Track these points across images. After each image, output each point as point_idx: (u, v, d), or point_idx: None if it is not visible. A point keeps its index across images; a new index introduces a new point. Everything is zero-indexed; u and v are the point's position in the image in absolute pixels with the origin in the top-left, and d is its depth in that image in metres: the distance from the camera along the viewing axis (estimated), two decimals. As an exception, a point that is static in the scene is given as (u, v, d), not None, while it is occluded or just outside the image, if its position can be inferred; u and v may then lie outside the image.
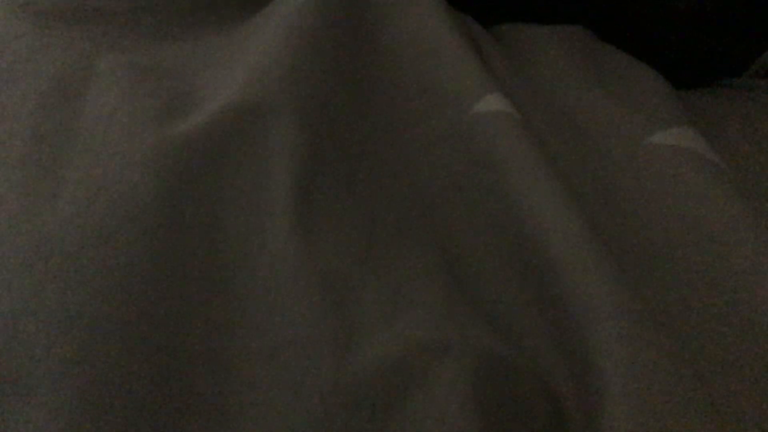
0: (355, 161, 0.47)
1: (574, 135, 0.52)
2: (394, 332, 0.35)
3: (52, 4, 0.55)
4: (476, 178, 0.46)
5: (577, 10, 0.64)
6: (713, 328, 0.41)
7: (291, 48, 0.50)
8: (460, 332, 0.36)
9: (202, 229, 0.39)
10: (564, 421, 0.36)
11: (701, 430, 0.33)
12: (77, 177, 0.41)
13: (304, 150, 0.43)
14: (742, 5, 0.61)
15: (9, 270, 0.37)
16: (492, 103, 0.48)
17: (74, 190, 0.40)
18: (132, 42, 0.53)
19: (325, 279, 0.37)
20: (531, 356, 0.38)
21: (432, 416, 0.33)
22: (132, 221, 0.38)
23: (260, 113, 0.44)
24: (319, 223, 0.40)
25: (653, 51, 0.63)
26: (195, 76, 0.50)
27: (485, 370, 0.35)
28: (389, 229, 0.44)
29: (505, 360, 0.36)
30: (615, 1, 0.62)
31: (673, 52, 0.63)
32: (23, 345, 0.34)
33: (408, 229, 0.44)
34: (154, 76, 0.47)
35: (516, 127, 0.47)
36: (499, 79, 0.55)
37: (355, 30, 0.55)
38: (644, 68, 0.58)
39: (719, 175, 0.47)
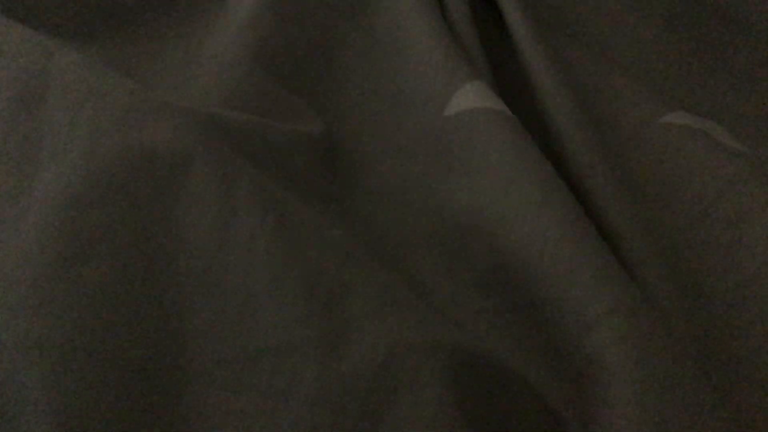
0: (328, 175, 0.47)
1: (582, 112, 0.51)
2: (382, 333, 0.35)
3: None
4: (449, 188, 0.46)
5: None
6: (728, 314, 0.41)
7: (249, 49, 0.50)
8: (449, 333, 0.36)
9: (170, 238, 0.38)
10: (560, 429, 0.36)
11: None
12: (42, 195, 0.39)
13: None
14: None
15: None
16: (465, 99, 0.47)
17: (39, 211, 0.39)
18: (87, 39, 0.52)
19: (309, 280, 0.36)
20: (522, 362, 0.38)
21: (422, 419, 0.33)
22: (98, 241, 0.37)
23: (224, 123, 0.43)
24: (298, 224, 0.39)
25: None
26: (153, 75, 0.49)
27: (476, 372, 0.35)
28: (368, 236, 0.43)
29: (496, 363, 0.36)
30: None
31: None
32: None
33: (387, 236, 0.44)
34: (112, 74, 0.45)
35: (491, 124, 0.46)
36: (480, 65, 0.54)
37: (324, 30, 0.55)
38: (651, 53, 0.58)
39: (733, 157, 0.46)
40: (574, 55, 0.56)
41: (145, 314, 0.36)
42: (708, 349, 0.40)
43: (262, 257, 0.37)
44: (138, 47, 0.54)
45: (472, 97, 0.48)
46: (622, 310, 0.36)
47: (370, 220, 0.46)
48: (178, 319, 0.36)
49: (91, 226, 0.37)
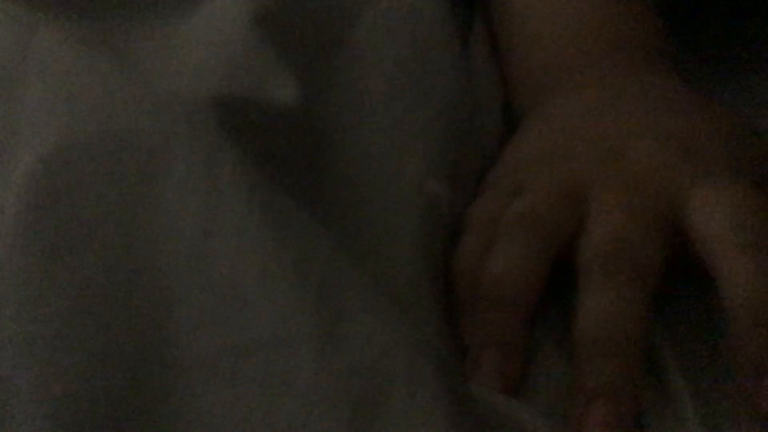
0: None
1: None
2: (377, 326, 0.34)
3: None
4: None
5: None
6: None
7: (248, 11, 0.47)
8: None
9: (155, 226, 0.36)
10: None
11: None
12: (21, 185, 0.38)
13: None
14: None
15: None
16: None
17: (17, 202, 0.37)
18: (70, 15, 0.50)
19: (300, 267, 0.35)
20: None
21: (417, 413, 0.32)
22: (82, 233, 0.36)
23: (207, 102, 0.40)
24: (285, 208, 0.37)
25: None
26: (137, 53, 0.47)
27: None
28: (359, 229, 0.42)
29: None
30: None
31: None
32: None
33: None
34: (94, 53, 0.43)
35: None
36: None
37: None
38: None
39: None
40: None
41: (133, 307, 0.35)
42: None
43: (251, 244, 0.35)
44: (128, 21, 0.51)
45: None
46: None
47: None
48: (167, 311, 0.35)
49: (74, 217, 0.36)
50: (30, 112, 0.41)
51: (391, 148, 0.47)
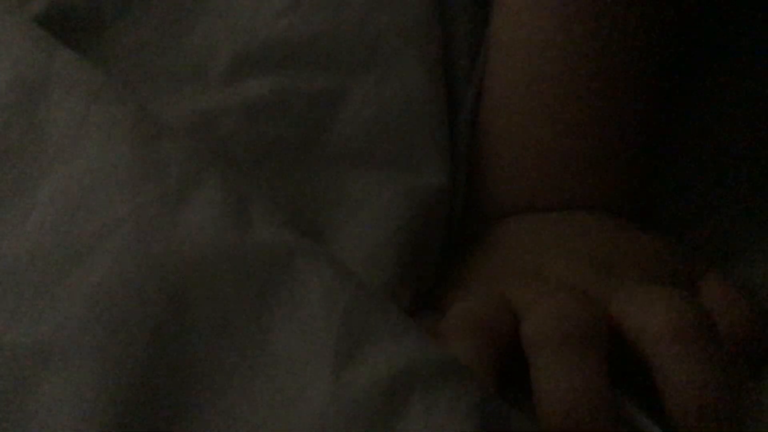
0: None
1: None
2: (402, 348, 0.35)
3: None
4: None
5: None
6: None
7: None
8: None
9: (174, 233, 0.37)
10: None
11: None
12: (48, 196, 0.39)
13: None
14: None
15: None
16: None
17: (45, 210, 0.38)
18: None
19: (331, 290, 0.36)
20: None
21: (431, 429, 0.33)
22: (105, 239, 0.37)
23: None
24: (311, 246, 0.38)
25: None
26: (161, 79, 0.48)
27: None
28: None
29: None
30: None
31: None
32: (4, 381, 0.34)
33: None
34: (115, 82, 0.44)
35: None
36: None
37: None
38: None
39: None
40: None
41: (150, 313, 0.35)
42: None
43: (282, 265, 0.37)
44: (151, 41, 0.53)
45: None
46: None
47: None
48: (182, 316, 0.35)
49: (94, 227, 0.37)
50: (57, 127, 0.41)
51: (361, 246, 0.47)
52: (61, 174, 0.39)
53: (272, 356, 0.35)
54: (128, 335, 0.34)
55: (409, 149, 0.51)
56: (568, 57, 0.52)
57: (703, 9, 0.58)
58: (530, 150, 0.53)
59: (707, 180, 0.55)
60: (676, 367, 0.37)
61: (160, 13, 0.54)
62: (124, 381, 0.34)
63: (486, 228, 0.53)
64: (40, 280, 0.36)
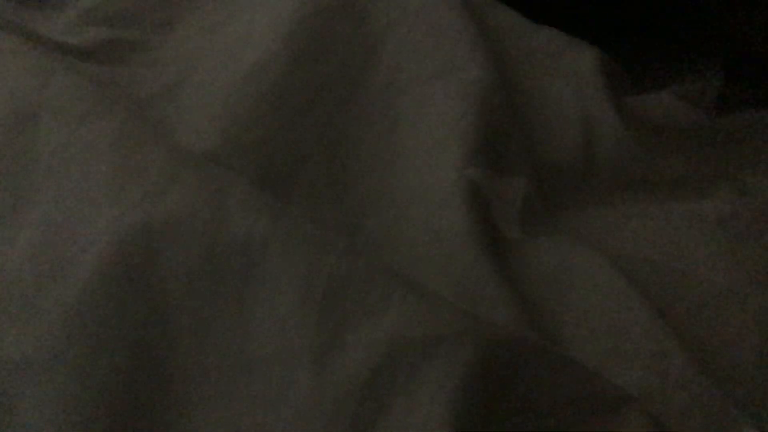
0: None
1: None
2: (381, 330, 0.34)
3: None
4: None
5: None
6: None
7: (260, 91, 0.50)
8: (464, 317, 0.35)
9: (156, 239, 0.37)
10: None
11: None
12: (37, 216, 0.39)
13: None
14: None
15: None
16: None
17: (33, 230, 0.39)
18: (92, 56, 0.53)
19: (306, 277, 0.35)
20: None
21: (414, 425, 0.32)
22: (85, 252, 0.37)
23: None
24: (293, 223, 0.38)
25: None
26: (154, 96, 0.49)
27: (489, 356, 0.33)
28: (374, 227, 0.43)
29: (522, 341, 0.35)
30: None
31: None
32: None
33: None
34: (108, 97, 0.45)
35: None
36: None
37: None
38: None
39: None
40: None
41: (129, 321, 0.35)
42: None
43: (256, 258, 0.36)
44: (148, 59, 0.55)
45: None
46: None
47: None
48: (163, 324, 0.35)
49: (77, 243, 0.37)
50: (48, 148, 0.42)
51: (427, 142, 0.50)
52: (49, 194, 0.40)
53: (253, 356, 0.35)
54: (110, 349, 0.35)
55: (450, 58, 0.54)
56: None
57: None
58: None
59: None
60: None
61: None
62: (106, 392, 0.34)
63: None
64: (25, 296, 0.36)
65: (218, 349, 0.35)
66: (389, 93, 0.53)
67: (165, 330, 0.35)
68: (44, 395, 0.34)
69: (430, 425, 0.32)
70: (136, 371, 0.34)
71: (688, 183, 0.54)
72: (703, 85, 0.61)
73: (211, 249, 0.36)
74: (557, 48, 0.60)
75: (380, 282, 0.35)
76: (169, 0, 0.59)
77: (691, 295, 0.44)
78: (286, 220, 0.37)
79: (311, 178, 0.48)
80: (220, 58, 0.55)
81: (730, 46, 0.65)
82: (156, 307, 0.36)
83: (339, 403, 0.33)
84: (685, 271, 0.45)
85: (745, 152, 0.57)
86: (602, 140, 0.54)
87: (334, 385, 0.33)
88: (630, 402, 0.35)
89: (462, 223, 0.45)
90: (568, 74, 0.58)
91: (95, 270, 0.36)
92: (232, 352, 0.35)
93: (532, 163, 0.52)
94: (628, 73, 0.62)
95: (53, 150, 0.42)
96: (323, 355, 0.34)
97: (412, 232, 0.46)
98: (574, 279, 0.45)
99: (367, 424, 0.32)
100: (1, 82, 0.47)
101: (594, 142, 0.54)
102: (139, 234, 0.37)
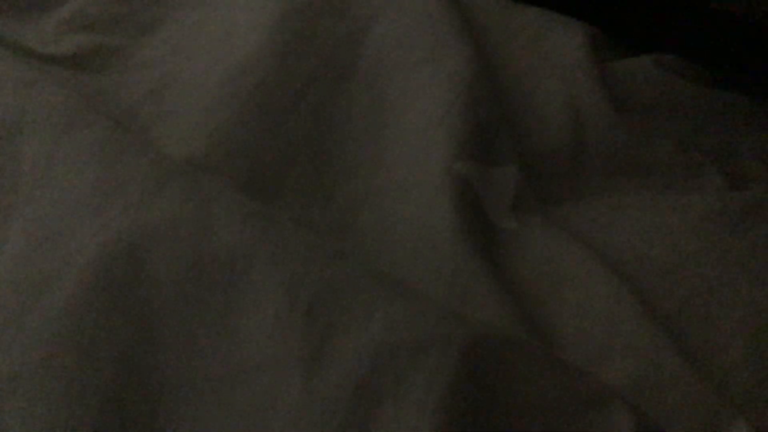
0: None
1: None
2: (369, 334, 0.34)
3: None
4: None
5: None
6: None
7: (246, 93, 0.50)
8: (451, 318, 0.35)
9: (140, 249, 0.37)
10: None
11: None
12: (20, 230, 0.39)
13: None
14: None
15: None
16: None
17: (16, 244, 0.39)
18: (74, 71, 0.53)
19: (292, 284, 0.35)
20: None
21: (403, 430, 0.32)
22: (69, 265, 0.37)
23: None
24: (281, 229, 0.38)
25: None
26: (138, 102, 0.49)
27: (476, 359, 0.33)
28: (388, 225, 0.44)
29: (509, 341, 0.35)
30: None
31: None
32: None
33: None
34: (89, 110, 0.45)
35: None
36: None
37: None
38: None
39: None
40: None
41: (115, 333, 0.35)
42: None
43: (242, 267, 0.36)
44: (128, 70, 0.54)
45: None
46: None
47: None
48: (149, 335, 0.35)
49: (61, 255, 0.37)
50: (30, 162, 0.42)
51: (414, 135, 0.50)
52: (33, 206, 0.40)
53: (241, 366, 0.34)
54: (96, 361, 0.34)
55: (435, 47, 0.54)
56: None
57: None
58: None
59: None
60: None
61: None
62: (93, 405, 0.34)
63: None
64: (10, 310, 0.36)
65: (205, 359, 0.35)
66: (374, 85, 0.53)
67: (151, 341, 0.35)
68: (31, 409, 0.34)
69: (419, 431, 0.32)
70: (123, 383, 0.34)
71: (677, 171, 0.53)
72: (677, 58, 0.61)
73: (196, 259, 0.36)
74: (542, 29, 0.59)
75: (366, 287, 0.35)
76: (150, 2, 0.59)
77: (680, 288, 0.44)
78: (273, 228, 0.37)
79: (299, 179, 0.48)
80: (203, 58, 0.55)
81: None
82: (142, 318, 0.35)
83: (328, 411, 0.33)
84: (675, 263, 0.45)
85: (733, 135, 0.57)
86: (591, 127, 0.54)
87: (323, 393, 0.33)
88: (615, 398, 0.35)
89: (451, 219, 0.45)
90: (554, 58, 0.57)
91: (79, 283, 0.36)
92: (219, 361, 0.35)
93: (521, 151, 0.52)
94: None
95: (35, 162, 0.42)
96: (311, 362, 0.33)
97: (402, 229, 0.46)
98: (566, 273, 0.45)
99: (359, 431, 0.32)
100: None
101: (583, 129, 0.54)
102: (123, 245, 0.37)
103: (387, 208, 0.47)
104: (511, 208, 0.48)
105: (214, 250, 0.36)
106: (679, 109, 0.57)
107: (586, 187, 0.52)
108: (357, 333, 0.34)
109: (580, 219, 0.50)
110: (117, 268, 0.36)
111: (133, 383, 0.34)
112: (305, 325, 0.34)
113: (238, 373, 0.34)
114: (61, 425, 0.33)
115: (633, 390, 0.39)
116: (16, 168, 0.42)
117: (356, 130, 0.51)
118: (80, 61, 0.55)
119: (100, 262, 0.36)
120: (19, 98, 0.46)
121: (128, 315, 0.35)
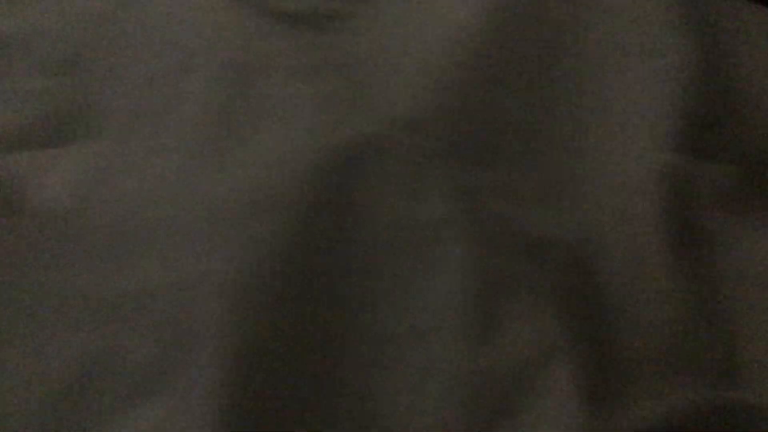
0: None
1: None
2: (530, 333, 0.37)
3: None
4: None
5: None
6: None
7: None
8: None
9: (356, 210, 0.41)
10: None
11: None
12: (252, 150, 0.44)
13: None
14: None
15: (180, 233, 0.40)
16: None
17: (247, 161, 0.43)
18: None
19: (471, 270, 0.39)
20: None
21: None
22: (295, 190, 0.41)
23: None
24: (486, 216, 0.41)
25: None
26: (354, 62, 0.52)
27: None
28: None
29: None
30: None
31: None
32: (195, 305, 0.37)
33: None
34: (315, 56, 0.50)
35: None
36: None
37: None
38: None
39: None
40: None
41: (325, 270, 0.39)
42: None
43: (431, 237, 0.40)
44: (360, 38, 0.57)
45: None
46: None
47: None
48: (353, 282, 0.39)
49: (292, 180, 0.42)
50: (276, 100, 0.47)
51: (624, 125, 0.50)
52: (255, 138, 0.45)
53: (415, 328, 0.38)
54: (305, 288, 0.38)
55: (655, 41, 0.54)
56: None
57: None
58: None
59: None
60: None
61: None
62: (288, 326, 0.37)
63: None
64: (237, 222, 0.40)
65: (388, 315, 0.38)
66: (588, 73, 0.53)
67: (363, 285, 0.39)
68: (232, 316, 0.36)
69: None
70: (318, 321, 0.38)
71: None
72: None
73: (402, 224, 0.40)
74: None
75: (532, 290, 0.38)
76: None
77: None
78: (472, 203, 0.40)
79: (509, 146, 0.49)
80: (417, 29, 0.57)
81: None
82: (355, 256, 0.40)
83: (481, 394, 0.35)
84: None
85: None
86: None
87: (479, 373, 0.36)
88: None
89: (652, 210, 0.45)
90: None
91: (303, 214, 0.40)
92: (401, 319, 0.38)
93: (743, 151, 0.51)
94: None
95: (281, 102, 0.47)
96: (472, 340, 0.37)
97: (599, 214, 0.46)
98: None
99: (503, 420, 0.35)
100: (221, 35, 0.52)
101: None
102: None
103: (587, 190, 0.48)
104: (722, 207, 0.47)
105: (418, 220, 0.40)
106: None
107: None
108: (520, 331, 0.37)
109: None
110: (334, 215, 0.41)
111: (328, 324, 0.38)
112: (477, 303, 0.38)
113: (419, 332, 0.38)
114: (262, 335, 0.36)
115: None
116: (261, 103, 0.47)
117: (563, 112, 0.52)
118: (304, 20, 0.58)
119: (318, 204, 0.41)
120: (251, 44, 0.51)
121: (336, 260, 0.39)
